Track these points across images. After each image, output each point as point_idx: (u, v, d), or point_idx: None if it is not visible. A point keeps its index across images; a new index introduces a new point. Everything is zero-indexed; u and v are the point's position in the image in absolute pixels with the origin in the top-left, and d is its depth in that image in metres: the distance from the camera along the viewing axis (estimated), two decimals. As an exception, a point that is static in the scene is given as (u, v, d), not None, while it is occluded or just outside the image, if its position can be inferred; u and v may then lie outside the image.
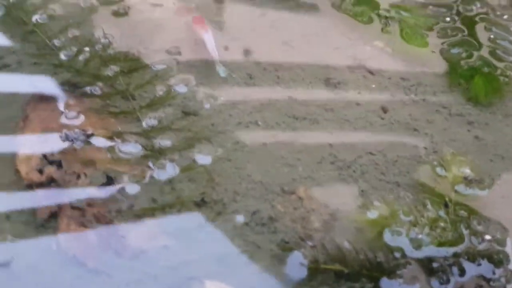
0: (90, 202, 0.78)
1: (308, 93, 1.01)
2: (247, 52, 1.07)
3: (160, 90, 0.96)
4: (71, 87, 0.95)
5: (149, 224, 0.79)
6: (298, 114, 0.97)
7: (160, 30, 1.07)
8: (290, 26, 1.13)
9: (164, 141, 0.88)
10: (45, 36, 1.02)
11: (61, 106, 0.91)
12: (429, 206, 0.80)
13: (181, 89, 0.95)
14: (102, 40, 1.01)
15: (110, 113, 0.92)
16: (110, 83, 0.96)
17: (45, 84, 0.95)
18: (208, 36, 1.05)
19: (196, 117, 0.94)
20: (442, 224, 0.75)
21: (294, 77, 1.04)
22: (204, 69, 1.01)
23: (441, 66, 1.07)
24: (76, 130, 0.84)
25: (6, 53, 0.99)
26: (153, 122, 0.90)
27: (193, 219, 0.80)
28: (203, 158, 0.87)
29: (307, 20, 1.15)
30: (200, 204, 0.82)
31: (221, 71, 1.01)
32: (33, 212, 0.78)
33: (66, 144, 0.84)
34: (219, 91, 0.98)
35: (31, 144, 0.84)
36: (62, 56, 0.99)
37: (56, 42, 1.01)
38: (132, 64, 0.99)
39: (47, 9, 1.06)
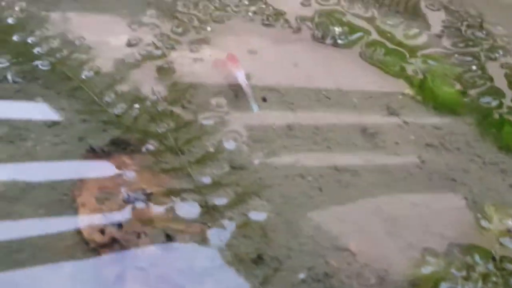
0: (153, 262, 0.81)
1: (347, 144, 1.05)
2: (285, 103, 1.11)
3: (208, 145, 0.99)
4: (122, 144, 0.98)
5: (209, 282, 0.82)
6: (339, 166, 1.01)
7: (202, 83, 1.10)
8: (324, 77, 1.18)
9: (217, 198, 0.91)
10: (92, 93, 1.05)
11: (114, 163, 0.94)
12: (477, 259, 0.83)
13: (230, 145, 0.99)
14: (150, 96, 1.05)
15: (162, 170, 0.95)
16: (159, 139, 0.99)
17: (97, 141, 0.98)
18: (241, 74, 1.09)
19: (243, 171, 0.97)
20: (494, 278, 0.78)
21: (331, 128, 1.08)
22: (247, 120, 1.05)
23: (471, 114, 1.12)
24: (137, 191, 0.87)
25: (54, 110, 1.02)
26: (204, 178, 0.93)
27: (252, 276, 0.83)
28: (255, 214, 0.90)
29: (339, 70, 1.19)
30: (257, 261, 0.85)
31: (254, 107, 1.06)
32: (98, 273, 0.81)
33: (125, 204, 0.86)
34: (262, 144, 1.02)
35: (90, 205, 0.87)
36: (111, 112, 1.02)
37: (104, 98, 1.04)
38: (180, 120, 1.02)
39: (93, 65, 1.09)
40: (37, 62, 1.08)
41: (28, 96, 1.04)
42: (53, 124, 1.00)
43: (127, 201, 0.86)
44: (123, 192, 0.87)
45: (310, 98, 1.13)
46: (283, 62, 1.20)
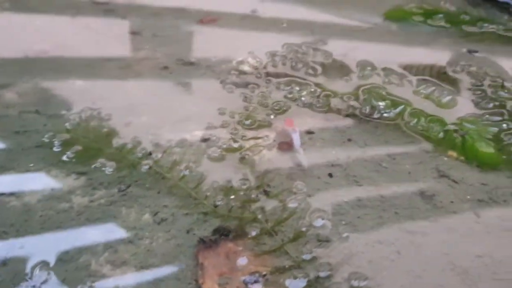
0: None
1: (411, 207, 1.22)
2: (348, 177, 1.28)
3: (297, 223, 1.16)
4: (224, 231, 1.15)
5: None
6: (409, 229, 1.18)
7: (276, 168, 1.28)
8: (377, 147, 1.36)
9: (318, 271, 1.07)
10: (188, 188, 1.23)
11: (223, 250, 1.10)
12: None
13: (318, 223, 1.16)
14: (239, 185, 1.22)
15: (263, 251, 1.11)
16: (254, 223, 1.16)
17: (202, 232, 1.14)
18: (296, 135, 1.32)
19: (330, 243, 1.14)
20: None
21: (394, 195, 1.25)
22: (324, 197, 1.22)
23: (509, 168, 1.30)
24: (253, 273, 1.04)
25: (159, 208, 1.19)
26: (301, 254, 1.10)
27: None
28: (353, 282, 1.06)
29: (389, 141, 1.37)
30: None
31: (304, 162, 1.27)
32: None
33: (244, 286, 1.02)
34: (340, 217, 1.19)
35: (215, 291, 1.03)
36: (208, 204, 1.20)
37: (199, 192, 1.22)
38: (268, 204, 1.19)
39: (188, 164, 1.27)
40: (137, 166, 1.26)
41: (133, 198, 1.21)
42: (161, 221, 1.17)
43: (247, 284, 1.03)
44: (242, 276, 1.03)
45: (370, 169, 1.31)
46: (337, 139, 1.38)
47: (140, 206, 1.19)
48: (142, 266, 1.09)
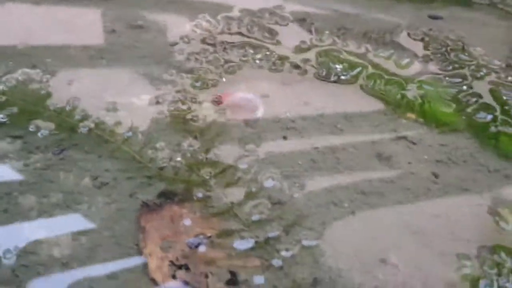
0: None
1: (367, 169, 1.17)
2: (303, 139, 1.23)
3: (247, 186, 1.10)
4: (169, 195, 1.07)
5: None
6: (365, 190, 1.12)
7: (226, 131, 1.21)
8: (334, 110, 1.30)
9: (267, 232, 1.01)
10: (132, 151, 1.15)
11: (168, 214, 1.03)
12: (504, 257, 0.96)
13: (268, 183, 1.09)
14: (187, 148, 1.15)
15: (211, 214, 1.04)
16: (203, 186, 1.09)
17: (146, 196, 1.07)
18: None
19: (282, 205, 1.08)
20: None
21: (350, 157, 1.20)
22: (276, 159, 1.16)
23: (469, 129, 1.26)
24: (198, 235, 0.97)
25: (100, 172, 1.11)
26: (250, 216, 1.03)
27: (312, 299, 0.93)
28: (304, 242, 1.00)
29: (346, 104, 1.32)
30: (314, 284, 0.95)
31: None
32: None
33: (188, 249, 0.96)
34: (293, 179, 1.13)
35: (157, 254, 0.96)
36: (153, 167, 1.12)
37: (143, 155, 1.14)
38: (218, 166, 1.12)
39: (126, 125, 1.19)
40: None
41: (72, 162, 1.12)
42: (102, 185, 1.09)
43: (190, 246, 0.96)
44: (186, 240, 0.96)
45: (326, 132, 1.25)
46: (294, 101, 1.32)
47: (79, 170, 1.11)
48: (79, 232, 1.01)
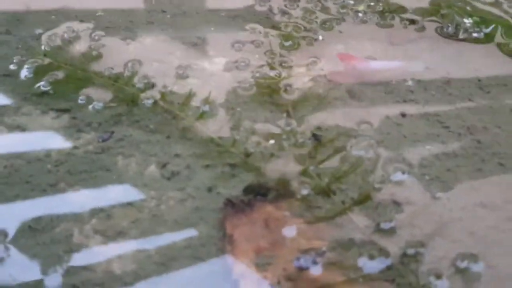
0: None
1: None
2: (426, 115, 0.93)
3: (364, 179, 0.82)
4: (260, 190, 0.81)
5: None
6: None
7: (328, 105, 0.93)
8: (464, 77, 1.00)
9: (402, 248, 0.73)
10: (209, 130, 0.88)
11: (260, 216, 0.77)
12: None
13: (395, 177, 0.81)
14: (279, 126, 0.88)
15: (316, 218, 0.77)
16: (302, 178, 0.82)
17: (229, 191, 0.81)
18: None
19: (410, 205, 0.80)
20: None
21: (495, 139, 0.90)
22: (398, 144, 0.88)
23: None
24: (308, 251, 0.70)
25: (169, 158, 0.85)
26: (374, 222, 0.76)
27: None
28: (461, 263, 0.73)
29: (480, 69, 1.02)
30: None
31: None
32: None
33: (297, 270, 0.69)
34: (423, 170, 0.84)
35: (251, 274, 0.70)
36: (237, 152, 0.85)
37: (224, 136, 0.88)
38: (323, 152, 0.85)
39: (208, 99, 0.93)
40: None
41: (134, 144, 0.87)
42: (172, 175, 0.83)
43: (299, 267, 0.69)
44: (290, 254, 0.70)
45: (457, 107, 0.95)
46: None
47: (143, 155, 0.86)
48: (146, 239, 0.76)
